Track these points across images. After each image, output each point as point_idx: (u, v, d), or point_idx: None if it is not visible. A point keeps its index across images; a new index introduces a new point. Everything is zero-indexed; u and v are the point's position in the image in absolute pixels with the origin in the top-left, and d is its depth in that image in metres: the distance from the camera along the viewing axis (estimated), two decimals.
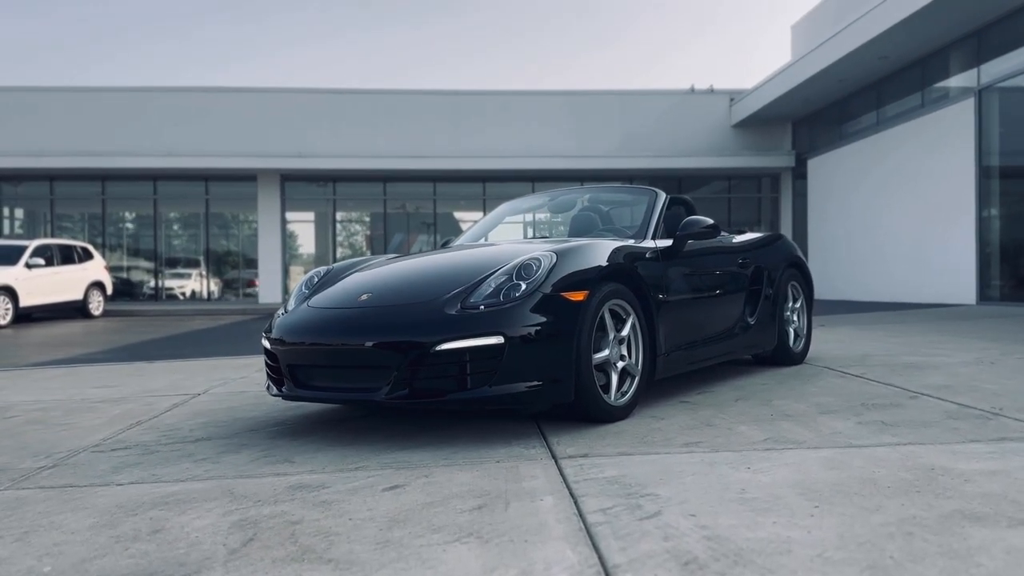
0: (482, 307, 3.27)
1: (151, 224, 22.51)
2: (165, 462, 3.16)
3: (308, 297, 3.89)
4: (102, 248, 21.46)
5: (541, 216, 7.06)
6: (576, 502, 2.41)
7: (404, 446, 3.27)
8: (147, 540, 2.22)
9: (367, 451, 3.20)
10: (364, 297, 3.57)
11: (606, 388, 3.60)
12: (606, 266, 3.60)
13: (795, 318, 5.52)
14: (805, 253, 19.99)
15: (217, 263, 23.36)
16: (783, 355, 5.30)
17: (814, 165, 19.79)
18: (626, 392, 3.70)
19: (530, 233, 8.23)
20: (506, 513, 2.32)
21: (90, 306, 16.21)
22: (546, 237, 4.74)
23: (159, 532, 2.28)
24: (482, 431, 3.52)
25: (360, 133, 20.10)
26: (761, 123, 21.33)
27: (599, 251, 3.67)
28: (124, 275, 23.02)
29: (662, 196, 4.63)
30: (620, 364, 3.68)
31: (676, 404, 4.03)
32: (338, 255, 22.52)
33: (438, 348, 3.16)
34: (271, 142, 19.81)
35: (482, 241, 4.91)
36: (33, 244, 15.10)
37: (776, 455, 2.91)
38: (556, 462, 2.92)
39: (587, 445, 3.17)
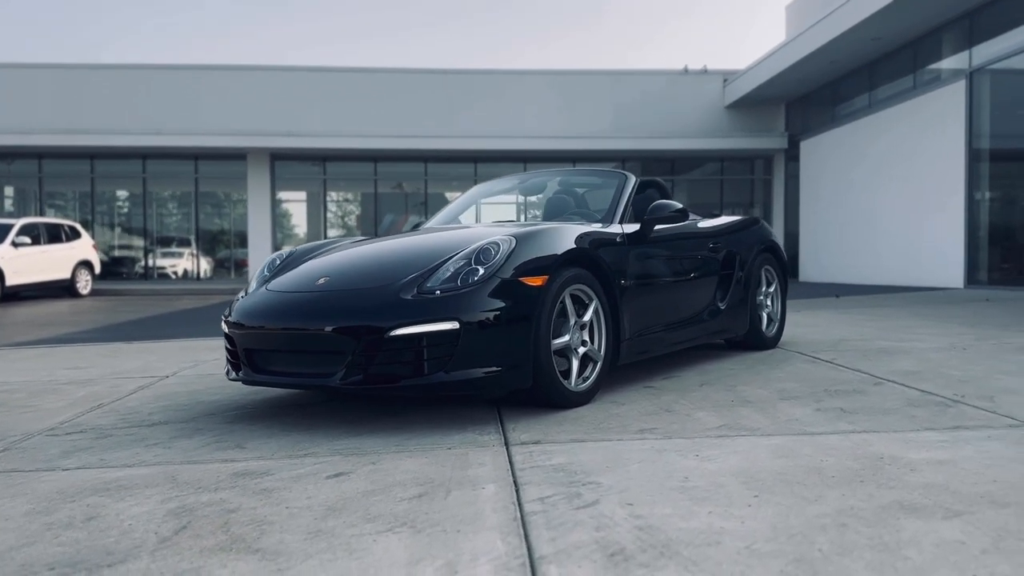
0: (438, 292, 3.24)
1: (140, 203, 22.40)
2: (116, 446, 3.14)
3: (268, 280, 3.86)
4: (91, 227, 21.37)
5: (517, 199, 7.02)
6: (517, 491, 2.39)
7: (359, 432, 3.25)
8: (80, 527, 2.20)
9: (321, 437, 3.18)
10: (321, 281, 3.54)
11: (567, 374, 3.58)
12: (568, 251, 3.57)
13: (768, 303, 5.49)
14: (796, 236, 19.98)
15: (208, 242, 23.28)
16: (755, 340, 5.28)
17: (807, 147, 19.72)
18: (588, 378, 3.68)
19: (512, 216, 8.20)
20: (445, 502, 2.31)
21: (78, 285, 16.16)
22: (513, 221, 4.70)
23: (93, 519, 2.26)
24: (440, 416, 3.50)
25: (350, 112, 19.97)
26: (754, 104, 21.22)
27: (561, 236, 3.64)
28: (113, 254, 22.94)
29: (631, 180, 4.59)
30: (582, 350, 3.65)
31: (640, 389, 4.02)
32: (329, 235, 22.43)
33: (392, 333, 3.13)
34: (261, 121, 19.68)
35: (450, 225, 4.87)
36: (19, 223, 15.02)
37: (728, 443, 2.90)
38: (507, 449, 2.90)
39: (542, 431, 3.15)
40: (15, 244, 14.51)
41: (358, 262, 3.73)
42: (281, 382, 3.40)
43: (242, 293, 3.90)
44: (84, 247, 16.54)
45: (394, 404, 3.79)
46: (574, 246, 3.62)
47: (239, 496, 2.44)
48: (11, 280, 14.22)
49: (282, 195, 23.19)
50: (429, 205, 21.92)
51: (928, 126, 14.47)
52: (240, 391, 4.34)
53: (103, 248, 22.14)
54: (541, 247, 3.50)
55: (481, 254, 3.39)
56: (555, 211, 4.82)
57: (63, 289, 16.02)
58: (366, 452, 2.92)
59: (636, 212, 4.45)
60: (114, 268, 22.40)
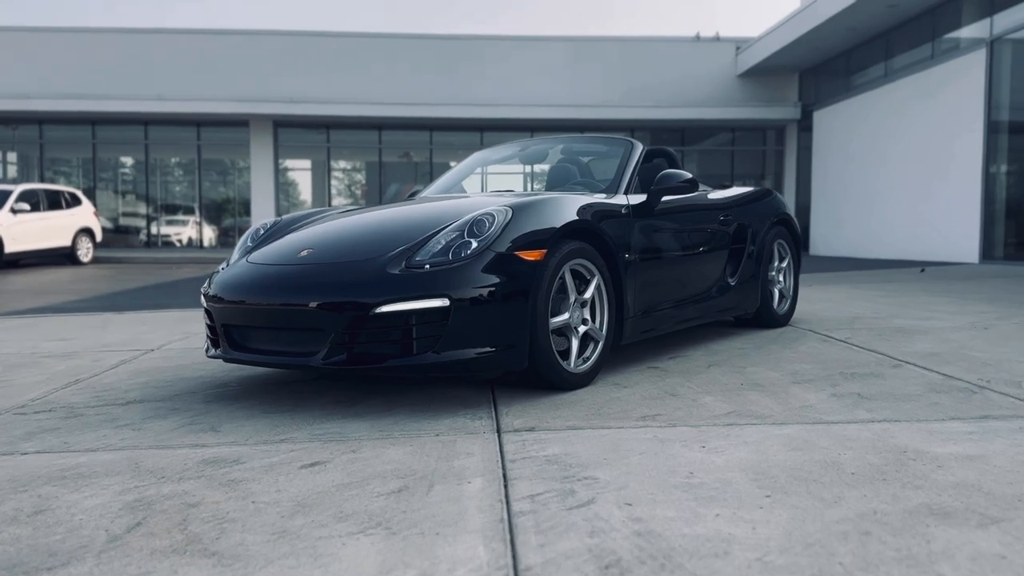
0: (427, 266, 3.02)
1: (143, 170, 22.17)
2: (84, 428, 2.95)
3: (250, 251, 3.64)
4: (93, 194, 21.16)
5: (525, 168, 6.77)
6: (506, 486, 2.18)
7: (344, 414, 3.05)
8: (25, 523, 2.01)
9: (302, 420, 2.98)
10: (304, 253, 3.32)
11: (566, 354, 3.36)
12: (568, 223, 3.34)
13: (780, 278, 5.25)
14: (807, 208, 19.65)
15: (212, 210, 23.06)
16: (766, 317, 5.05)
17: (820, 117, 19.32)
18: (588, 358, 3.46)
19: (519, 186, 7.89)
20: (426, 498, 2.10)
21: (78, 253, 15.99)
22: (512, 191, 4.46)
23: (42, 513, 2.07)
24: (432, 397, 3.29)
25: (354, 79, 19.62)
26: (767, 73, 20.78)
27: (561, 206, 3.40)
28: (117, 222, 22.76)
29: (638, 148, 4.33)
30: (582, 328, 3.44)
31: (644, 370, 3.80)
32: (334, 204, 22.18)
33: (378, 310, 2.91)
34: (264, 87, 19.36)
35: (448, 194, 4.63)
36: (18, 189, 14.82)
37: (736, 432, 2.68)
38: (499, 436, 2.69)
39: (537, 416, 2.94)
40: (14, 211, 14.32)
41: (344, 233, 3.50)
42: (261, 360, 3.19)
43: (224, 264, 3.68)
44: (85, 214, 16.35)
45: (384, 383, 3.58)
46: (575, 218, 3.39)
47: (203, 488, 2.24)
48: (10, 247, 14.05)
49: (286, 163, 22.92)
50: (434, 175, 21.58)
51: (946, 96, 14.09)
52: (225, 367, 4.14)
53: (106, 215, 21.96)
54: (539, 219, 3.27)
55: (475, 226, 3.16)
56: (558, 180, 4.58)
57: (64, 257, 15.85)
58: (347, 438, 2.71)
59: (643, 182, 4.20)
60: (117, 236, 22.23)
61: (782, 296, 5.26)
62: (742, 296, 4.76)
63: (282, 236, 3.70)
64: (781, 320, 5.17)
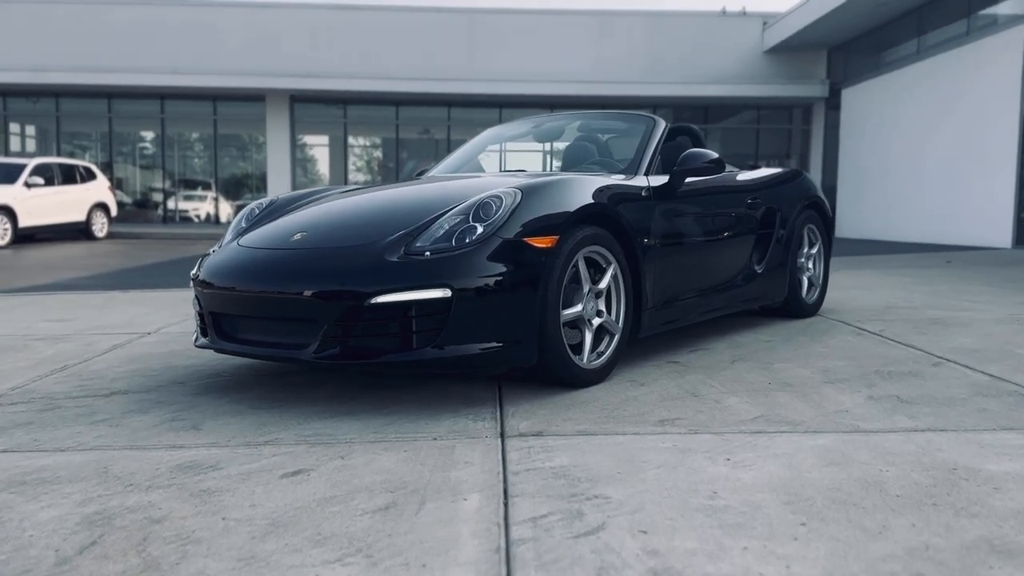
0: (427, 253, 2.78)
1: (159, 144, 22.02)
2: (59, 423, 2.74)
3: (243, 233, 3.41)
4: (109, 168, 21.06)
5: (545, 146, 6.47)
6: (506, 505, 1.95)
7: (337, 412, 2.82)
8: None
9: (292, 417, 2.76)
10: (298, 237, 3.08)
11: (579, 348, 3.11)
12: (582, 207, 3.08)
13: (810, 265, 4.96)
14: (834, 189, 19.18)
15: (228, 186, 22.90)
16: (794, 307, 4.77)
17: (848, 95, 18.80)
18: (603, 352, 3.22)
19: (538, 165, 7.63)
20: (415, 519, 1.87)
21: (93, 228, 15.88)
22: (523, 170, 4.19)
23: None
24: (433, 393, 3.06)
25: (372, 53, 19.30)
26: (795, 50, 20.22)
27: (575, 189, 3.14)
28: (135, 197, 22.67)
29: (660, 125, 4.05)
30: (596, 321, 3.18)
31: (663, 365, 3.55)
32: (351, 181, 21.95)
33: (373, 301, 2.67)
34: (280, 61, 19.09)
35: (457, 173, 4.37)
36: (33, 163, 14.69)
37: (765, 441, 2.43)
38: (502, 442, 2.46)
39: (545, 419, 2.70)
40: (28, 185, 14.20)
41: (341, 215, 3.26)
42: (249, 352, 2.97)
43: (216, 246, 3.46)
44: (100, 189, 16.22)
45: (385, 376, 3.35)
46: (590, 201, 3.13)
47: (172, 499, 2.02)
48: (24, 222, 13.95)
49: (304, 139, 22.71)
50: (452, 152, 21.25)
51: (981, 75, 13.59)
52: (218, 355, 3.92)
53: (124, 190, 21.87)
54: (551, 202, 3.01)
55: (481, 209, 2.91)
56: (575, 159, 4.31)
57: (79, 232, 15.75)
58: (337, 441, 2.49)
59: (666, 162, 3.92)
60: (135, 211, 22.15)
61: (811, 284, 4.97)
62: (769, 284, 4.48)
63: (278, 217, 3.47)
64: (810, 310, 4.89)
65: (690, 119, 22.26)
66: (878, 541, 1.72)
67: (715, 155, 3.76)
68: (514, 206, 2.90)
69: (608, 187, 3.31)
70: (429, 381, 3.25)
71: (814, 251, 4.99)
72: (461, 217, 2.90)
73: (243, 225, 3.53)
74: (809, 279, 4.95)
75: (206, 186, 22.78)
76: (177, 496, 2.04)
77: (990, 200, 13.22)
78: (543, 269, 2.87)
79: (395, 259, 2.77)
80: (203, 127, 21.86)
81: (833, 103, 19.97)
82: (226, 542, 1.76)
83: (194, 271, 3.28)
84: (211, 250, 3.44)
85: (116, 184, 20.86)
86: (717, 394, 3.01)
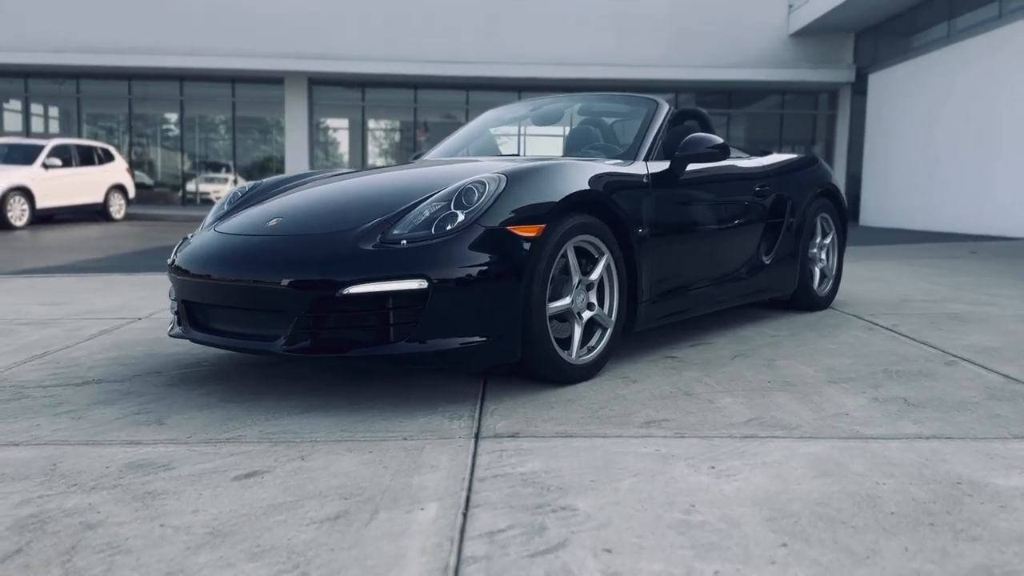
0: (404, 242, 2.63)
1: (179, 127, 22.04)
2: (21, 414, 2.64)
3: (223, 218, 3.28)
4: (128, 150, 21.10)
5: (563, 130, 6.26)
6: (466, 516, 1.81)
7: (309, 407, 2.69)
8: None
9: (261, 412, 2.64)
10: (273, 223, 2.95)
11: (567, 343, 2.96)
12: (572, 194, 2.91)
13: (823, 256, 4.76)
14: (858, 177, 18.81)
15: (248, 168, 22.87)
16: (805, 299, 4.58)
17: (875, 81, 18.36)
18: (594, 347, 3.06)
19: (556, 150, 7.38)
20: (364, 531, 1.73)
21: (111, 209, 15.90)
22: (516, 155, 4.03)
23: None
24: (413, 389, 2.92)
25: (390, 35, 19.12)
26: (821, 33, 19.78)
27: (565, 175, 2.97)
28: (152, 179, 22.70)
29: (663, 108, 3.86)
30: (587, 314, 3.03)
31: (660, 360, 3.38)
32: (370, 164, 21.83)
33: (345, 291, 2.53)
34: (298, 43, 18.97)
35: (451, 158, 4.21)
36: (50, 144, 14.71)
37: (756, 447, 2.27)
38: (476, 443, 2.32)
39: (525, 418, 2.56)
40: (45, 166, 14.21)
41: (320, 201, 3.12)
42: (220, 343, 2.84)
43: (195, 232, 3.34)
44: (117, 170, 16.23)
45: (372, 369, 3.22)
46: (582, 188, 2.96)
47: (114, 501, 1.90)
48: (41, 203, 13.98)
49: (323, 122, 22.63)
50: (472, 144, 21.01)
51: (1013, 59, 13.18)
52: (200, 344, 3.82)
53: (145, 172, 21.92)
54: (538, 189, 2.85)
55: (463, 195, 2.76)
56: (579, 144, 4.13)
57: (96, 213, 15.78)
58: (301, 440, 2.36)
59: (672, 148, 3.74)
60: (155, 193, 22.19)
61: (824, 276, 4.77)
62: (778, 276, 4.30)
63: (261, 201, 3.34)
64: (822, 303, 4.70)
65: (713, 103, 21.92)
66: (864, 567, 1.56)
67: (719, 140, 3.58)
68: (497, 192, 2.74)
69: (603, 173, 3.14)
70: (415, 374, 3.12)
71: (827, 241, 4.79)
72: (442, 203, 2.76)
73: (225, 209, 3.41)
74: (822, 270, 4.75)
75: (226, 168, 22.77)
76: (120, 498, 1.92)
77: (1020, 189, 12.84)
78: (528, 259, 2.72)
79: (370, 247, 2.62)
80: (222, 109, 21.83)
81: (859, 88, 19.54)
82: (157, 553, 1.64)
83: (170, 257, 3.16)
84: (188, 235, 3.32)
85: (136, 166, 20.91)
86: (711, 393, 2.85)
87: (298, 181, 3.59)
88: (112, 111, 22.03)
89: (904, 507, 1.84)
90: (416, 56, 19.00)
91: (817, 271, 4.70)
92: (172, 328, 3.13)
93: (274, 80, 20.24)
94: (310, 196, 3.20)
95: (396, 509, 1.84)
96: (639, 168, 3.42)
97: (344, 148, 23.04)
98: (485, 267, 2.64)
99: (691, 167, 3.67)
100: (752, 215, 4.12)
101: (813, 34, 19.80)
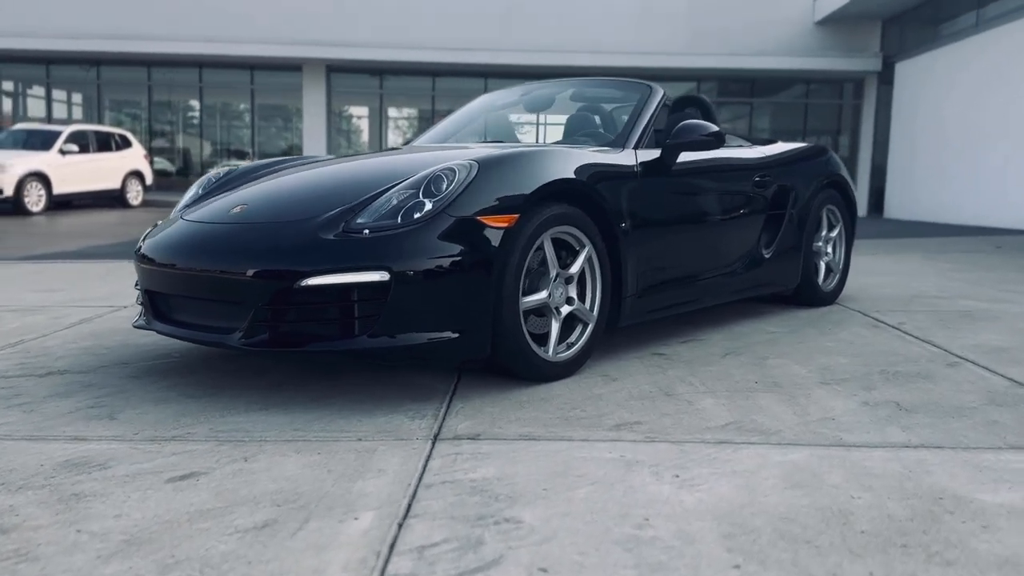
0: (366, 231, 2.51)
1: (197, 114, 22.08)
2: None
3: (193, 204, 3.18)
4: (147, 136, 21.17)
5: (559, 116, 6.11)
6: (400, 527, 1.69)
7: (268, 404, 2.58)
8: None
9: (217, 409, 2.53)
10: (236, 210, 2.84)
11: (544, 339, 2.83)
12: (549, 183, 2.77)
13: (828, 250, 4.58)
14: (884, 168, 18.44)
15: (266, 156, 22.88)
16: (809, 294, 4.40)
17: (902, 70, 17.95)
18: (573, 344, 2.93)
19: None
20: (289, 541, 1.62)
21: (128, 196, 15.95)
22: (500, 142, 3.89)
23: None
24: (382, 383, 2.80)
25: (408, 23, 18.98)
26: (847, 21, 19.37)
27: (543, 163, 2.83)
28: (171, 166, 22.77)
29: (657, 94, 3.70)
30: (566, 309, 2.89)
31: (646, 357, 3.24)
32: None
33: (302, 283, 2.42)
34: (316, 29, 18.90)
35: (441, 144, 4.08)
36: (68, 130, 14.77)
37: (728, 454, 2.13)
38: (432, 446, 2.20)
39: (491, 418, 2.43)
40: (63, 152, 14.27)
41: (287, 189, 3.01)
42: (181, 334, 2.74)
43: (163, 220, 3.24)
44: (135, 157, 16.27)
45: (347, 362, 3.11)
46: (560, 176, 2.82)
47: (37, 503, 1.80)
48: (58, 188, 14.04)
49: (340, 109, 22.57)
50: (488, 123, 20.86)
51: None
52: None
53: (166, 158, 21.98)
54: (512, 177, 2.71)
55: (432, 183, 2.63)
56: (575, 130, 3.99)
57: (114, 199, 15.84)
58: (250, 439, 2.25)
59: (665, 136, 3.58)
60: (176, 179, 22.25)
61: (829, 270, 4.59)
62: (779, 270, 4.13)
63: (233, 188, 3.23)
64: (826, 298, 4.52)
65: (736, 93, 21.60)
66: None
67: (715, 128, 3.41)
68: (468, 180, 2.61)
69: (585, 161, 3.00)
70: (387, 369, 3.00)
71: (834, 234, 4.61)
72: (411, 191, 2.63)
73: (199, 193, 3.32)
74: (827, 264, 4.57)
75: (244, 155, 22.79)
76: (44, 500, 1.82)
77: None
78: (500, 251, 2.59)
79: (331, 237, 2.51)
80: (241, 97, 21.83)
81: (886, 78, 19.13)
82: (66, 562, 1.54)
83: (138, 244, 3.07)
84: (159, 222, 3.23)
85: (156, 153, 20.98)
86: (693, 393, 2.71)
87: (274, 167, 3.48)
88: (132, 97, 22.11)
89: (877, 525, 1.70)
90: (434, 44, 18.86)
91: (823, 265, 4.52)
92: (137, 319, 3.04)
93: (292, 67, 20.20)
94: (279, 184, 3.08)
95: (329, 518, 1.73)
96: (627, 156, 3.27)
97: (366, 137, 22.96)
98: (453, 259, 2.51)
99: (686, 156, 3.52)
100: (751, 206, 3.96)
101: (839, 22, 19.40)
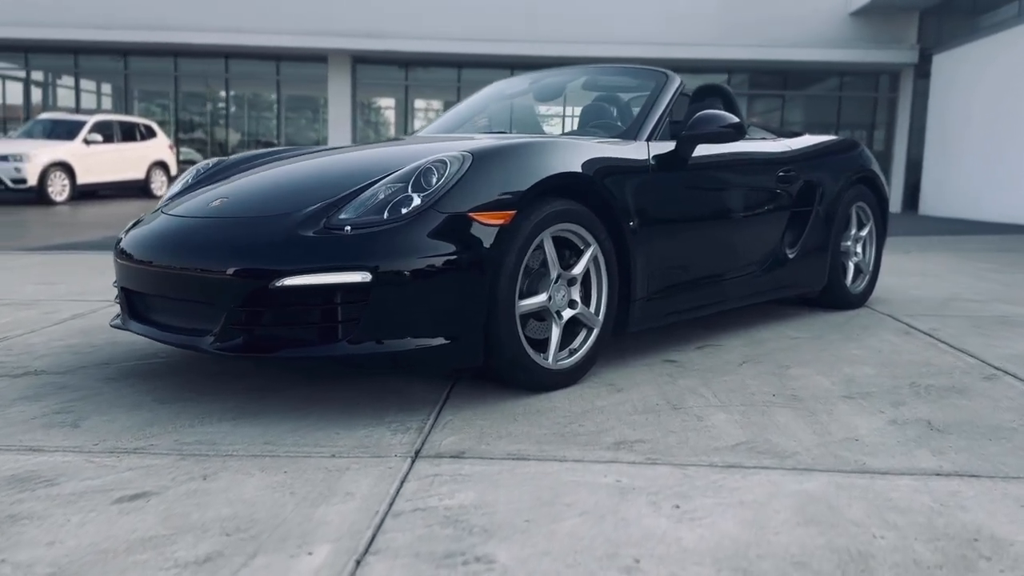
0: (348, 228, 2.32)
1: (224, 104, 22.08)
2: None
3: (178, 196, 3.02)
4: (174, 127, 21.21)
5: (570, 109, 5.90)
6: (358, 564, 1.50)
7: (243, 412, 2.41)
8: None
9: (188, 417, 2.36)
10: (216, 203, 2.67)
11: (545, 344, 2.63)
12: (550, 177, 2.57)
13: (858, 249, 4.32)
14: (919, 163, 17.96)
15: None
16: (835, 297, 4.15)
17: (940, 62, 17.44)
18: (576, 350, 2.72)
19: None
20: None
21: (152, 186, 15.95)
22: (503, 132, 3.69)
23: None
24: (371, 392, 2.62)
25: (433, 13, 18.79)
26: (883, 12, 18.86)
27: (543, 155, 2.62)
28: (198, 156, 22.82)
29: (674, 82, 3.47)
30: (568, 312, 2.69)
31: (656, 364, 3.03)
32: None
33: (277, 283, 2.24)
34: (342, 20, 18.77)
35: (450, 135, 3.87)
36: (92, 120, 14.77)
37: (736, 481, 1.91)
38: (411, 464, 2.01)
39: (480, 433, 2.24)
40: (87, 141, 14.27)
41: (270, 181, 2.82)
42: (155, 335, 2.57)
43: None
44: (159, 147, 16.27)
45: (331, 366, 2.92)
46: (563, 170, 2.61)
47: None
48: (82, 178, 14.05)
49: (374, 102, 22.46)
50: (513, 116, 20.64)
51: None
52: None
53: (194, 148, 22.02)
54: (510, 170, 2.51)
55: (423, 176, 2.44)
56: (588, 121, 3.77)
57: (139, 189, 15.85)
58: (215, 453, 2.07)
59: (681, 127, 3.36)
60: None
61: (858, 271, 4.33)
62: (803, 271, 3.88)
63: (220, 180, 3.06)
64: (855, 301, 4.26)
65: (768, 85, 21.15)
66: None
67: (735, 119, 3.18)
68: (460, 174, 2.42)
69: (592, 153, 2.78)
70: (381, 375, 2.81)
71: (864, 233, 4.35)
72: (399, 185, 2.44)
73: (188, 182, 3.16)
74: (856, 265, 4.31)
75: (270, 146, 22.77)
76: None
77: None
78: (494, 250, 2.39)
79: (310, 234, 2.32)
80: (267, 88, 21.78)
81: (923, 70, 18.60)
82: None
83: (118, 238, 2.91)
84: (143, 215, 3.07)
85: (182, 143, 21.02)
86: (704, 407, 2.49)
87: (266, 158, 3.30)
88: (160, 88, 22.16)
89: (901, 572, 1.48)
90: (460, 35, 18.65)
91: (851, 266, 4.27)
92: (114, 318, 2.88)
93: (318, 58, 20.10)
94: (263, 176, 2.90)
95: (280, 552, 1.54)
96: (638, 149, 3.05)
97: (392, 129, 22.83)
98: (442, 258, 2.32)
99: (704, 149, 3.29)
100: (775, 203, 3.72)
101: (875, 13, 18.90)
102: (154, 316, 2.63)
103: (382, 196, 2.42)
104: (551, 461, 2.03)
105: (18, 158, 13.06)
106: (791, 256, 3.78)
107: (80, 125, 14.46)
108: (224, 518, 1.69)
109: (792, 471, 1.98)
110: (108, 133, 14.93)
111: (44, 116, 15.31)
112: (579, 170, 2.67)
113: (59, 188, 13.65)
